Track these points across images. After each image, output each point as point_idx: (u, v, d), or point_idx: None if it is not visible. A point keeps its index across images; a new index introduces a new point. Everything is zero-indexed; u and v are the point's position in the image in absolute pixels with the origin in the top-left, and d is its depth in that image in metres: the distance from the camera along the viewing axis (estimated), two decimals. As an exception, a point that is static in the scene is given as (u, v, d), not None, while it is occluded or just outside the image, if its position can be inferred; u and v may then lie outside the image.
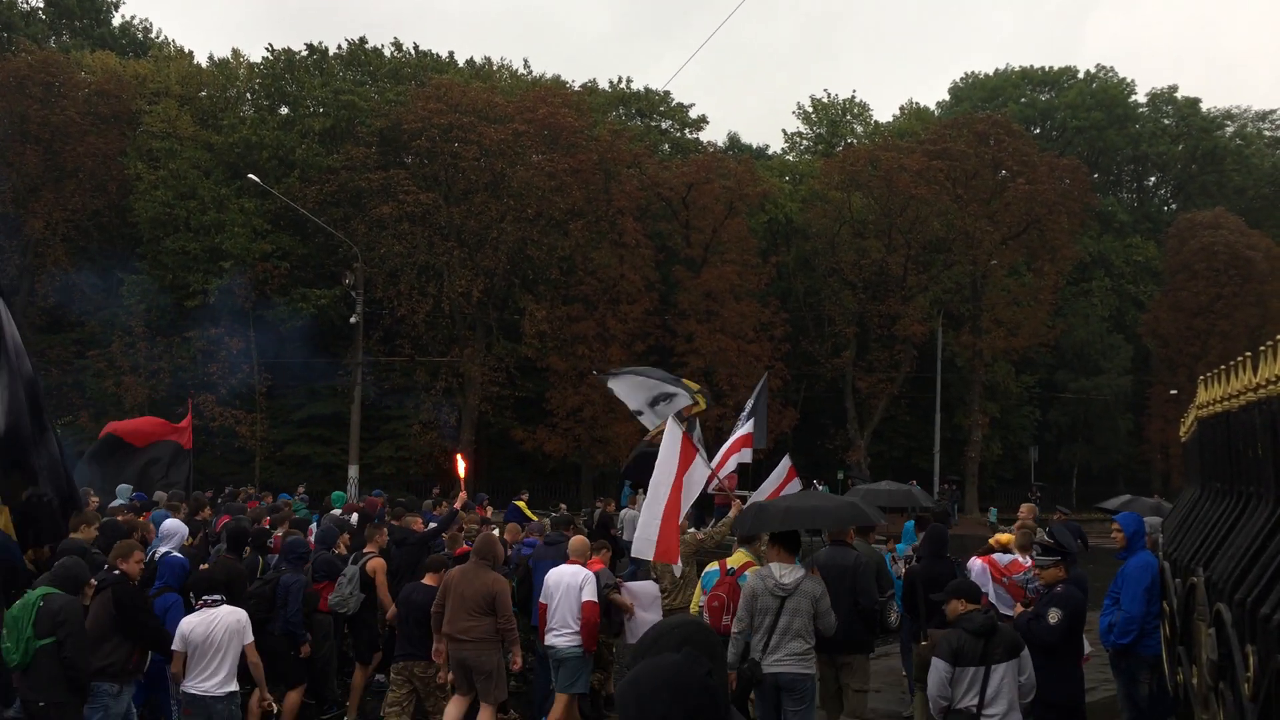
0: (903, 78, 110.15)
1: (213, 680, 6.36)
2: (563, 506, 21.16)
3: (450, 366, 32.98)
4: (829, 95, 48.46)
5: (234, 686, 6.49)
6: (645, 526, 7.95)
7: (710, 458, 9.70)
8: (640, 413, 12.09)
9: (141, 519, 9.58)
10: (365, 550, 9.04)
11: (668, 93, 44.31)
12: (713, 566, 7.65)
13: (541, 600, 7.96)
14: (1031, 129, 48.30)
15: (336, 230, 31.41)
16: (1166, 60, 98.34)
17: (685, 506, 8.26)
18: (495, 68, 43.33)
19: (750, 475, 14.01)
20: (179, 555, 8.12)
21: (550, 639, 7.79)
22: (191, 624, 6.46)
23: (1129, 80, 51.88)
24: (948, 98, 54.95)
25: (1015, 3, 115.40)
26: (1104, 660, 7.95)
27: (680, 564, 8.35)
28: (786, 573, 6.48)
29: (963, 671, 5.57)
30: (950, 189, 36.58)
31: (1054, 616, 6.49)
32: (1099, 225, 46.35)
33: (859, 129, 46.00)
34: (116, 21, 45.92)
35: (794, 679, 6.36)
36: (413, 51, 39.91)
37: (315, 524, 11.47)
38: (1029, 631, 6.40)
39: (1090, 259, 44.42)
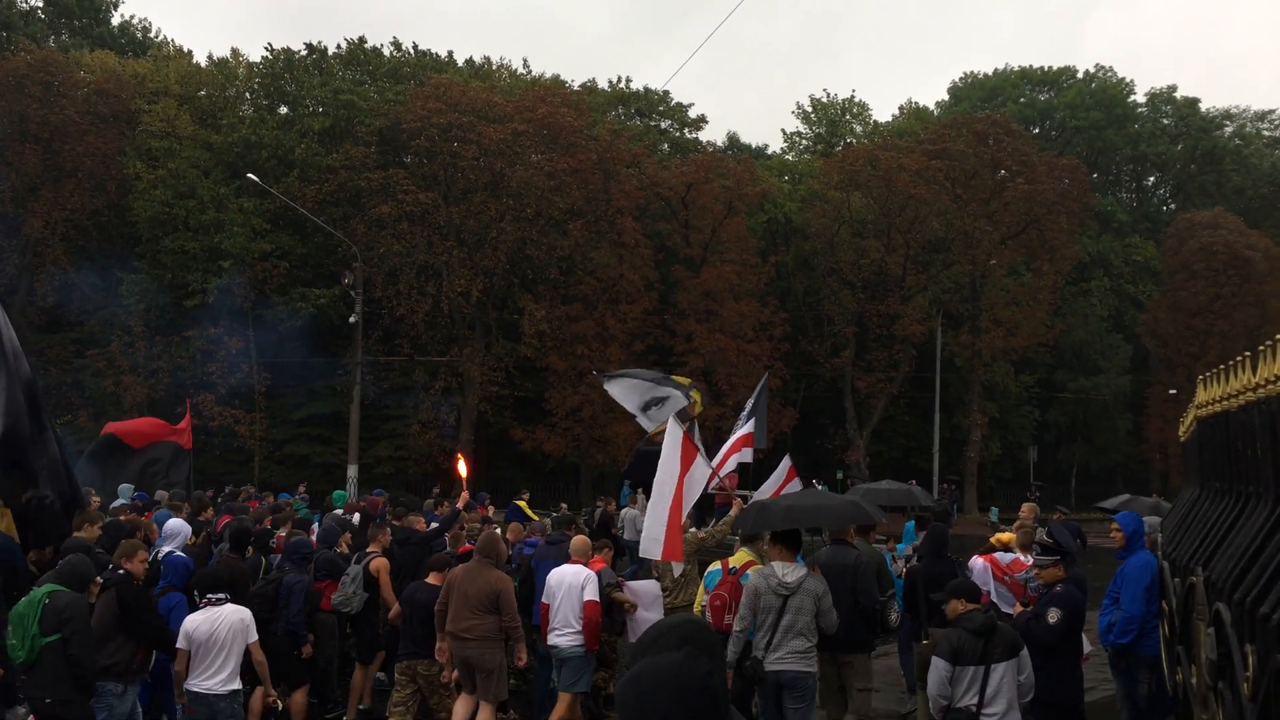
0: (902, 77, 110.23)
1: (216, 678, 6.38)
2: (563, 506, 21.18)
3: (449, 366, 32.99)
4: (828, 95, 48.57)
5: (237, 685, 6.50)
6: (652, 526, 7.97)
7: (710, 457, 9.70)
8: (635, 415, 12.13)
9: (144, 519, 9.57)
10: (368, 550, 9.05)
11: (667, 92, 44.38)
12: (715, 566, 7.67)
13: (544, 600, 7.97)
14: (1031, 129, 48.31)
15: (336, 230, 31.41)
16: (1166, 60, 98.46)
17: (687, 506, 8.28)
18: (495, 67, 43.34)
19: (750, 475, 14.02)
20: (183, 555, 8.14)
21: (553, 638, 7.80)
22: (195, 622, 6.47)
23: (1128, 80, 51.97)
24: (947, 97, 54.99)
25: (1015, 3, 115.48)
26: (1103, 660, 7.95)
27: (682, 562, 8.36)
28: (789, 571, 6.51)
29: (962, 670, 5.58)
30: (949, 189, 36.60)
31: (1053, 616, 6.50)
32: (1098, 225, 46.38)
33: (858, 129, 46.02)
34: (115, 21, 45.92)
35: (795, 677, 6.39)
36: (412, 51, 39.91)
37: (317, 523, 11.48)
38: (1028, 631, 6.41)
39: (1089, 259, 44.45)
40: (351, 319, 30.88)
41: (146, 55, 40.42)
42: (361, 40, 37.88)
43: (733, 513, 9.13)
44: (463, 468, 11.37)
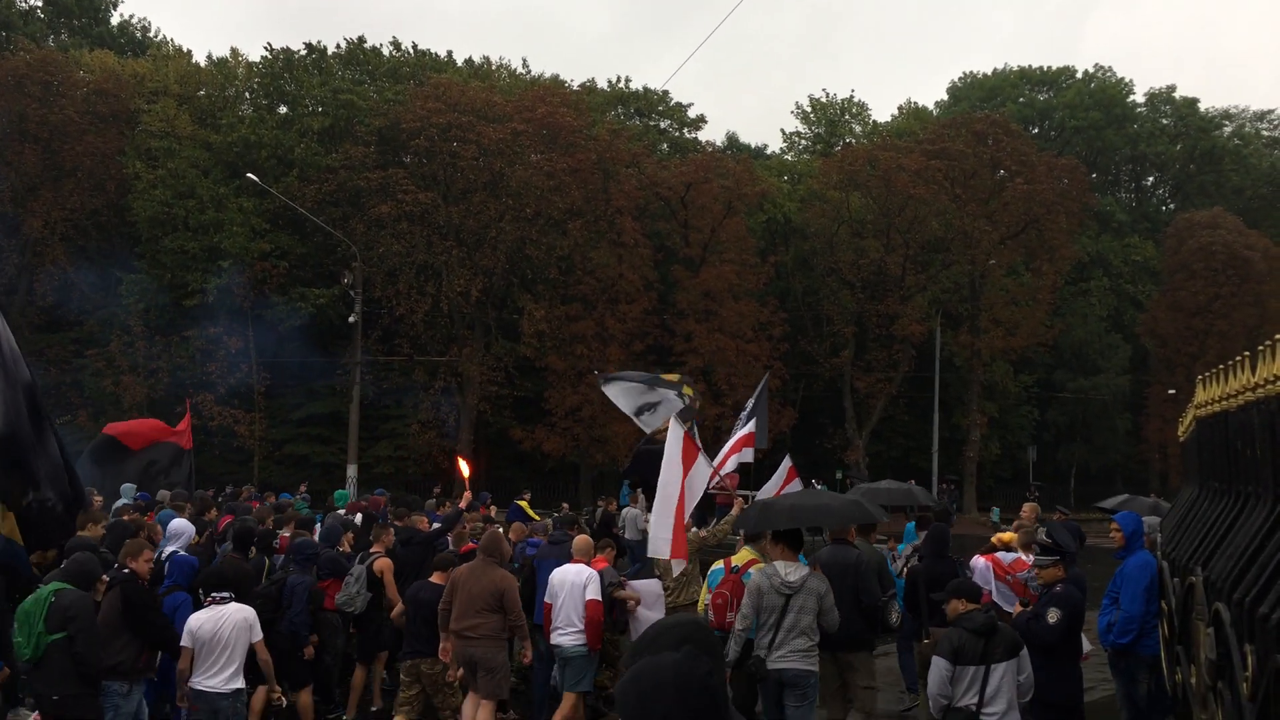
0: (901, 77, 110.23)
1: (219, 677, 6.40)
2: (564, 506, 21.19)
3: (449, 366, 32.99)
4: (828, 95, 48.60)
5: (240, 684, 6.52)
6: (658, 526, 8.00)
7: (711, 458, 9.72)
8: (632, 418, 12.17)
9: (147, 519, 9.59)
10: (372, 550, 9.08)
11: (666, 92, 44.39)
12: (718, 565, 7.71)
13: (546, 599, 8.01)
14: (1030, 129, 48.33)
15: (335, 229, 31.41)
16: (1166, 60, 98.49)
17: (690, 506, 8.30)
18: (494, 67, 43.33)
19: (751, 475, 14.04)
20: (188, 554, 8.15)
21: (556, 637, 7.83)
22: (200, 620, 6.49)
23: (1127, 80, 52.00)
24: (946, 97, 55.00)
25: (1015, 3, 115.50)
26: (1103, 660, 7.96)
27: (684, 561, 8.38)
28: (791, 571, 6.54)
29: (963, 670, 5.60)
30: (949, 189, 36.60)
31: (1053, 616, 6.51)
32: (1097, 225, 46.39)
33: (857, 129, 46.03)
34: (115, 20, 45.92)
35: (797, 675, 6.43)
36: (411, 51, 39.90)
37: (319, 523, 11.50)
38: (1028, 631, 6.42)
39: (1088, 259, 44.46)
40: (351, 319, 30.89)
41: (146, 55, 40.42)
42: (361, 40, 37.91)
43: (734, 512, 9.16)
44: (465, 468, 11.40)
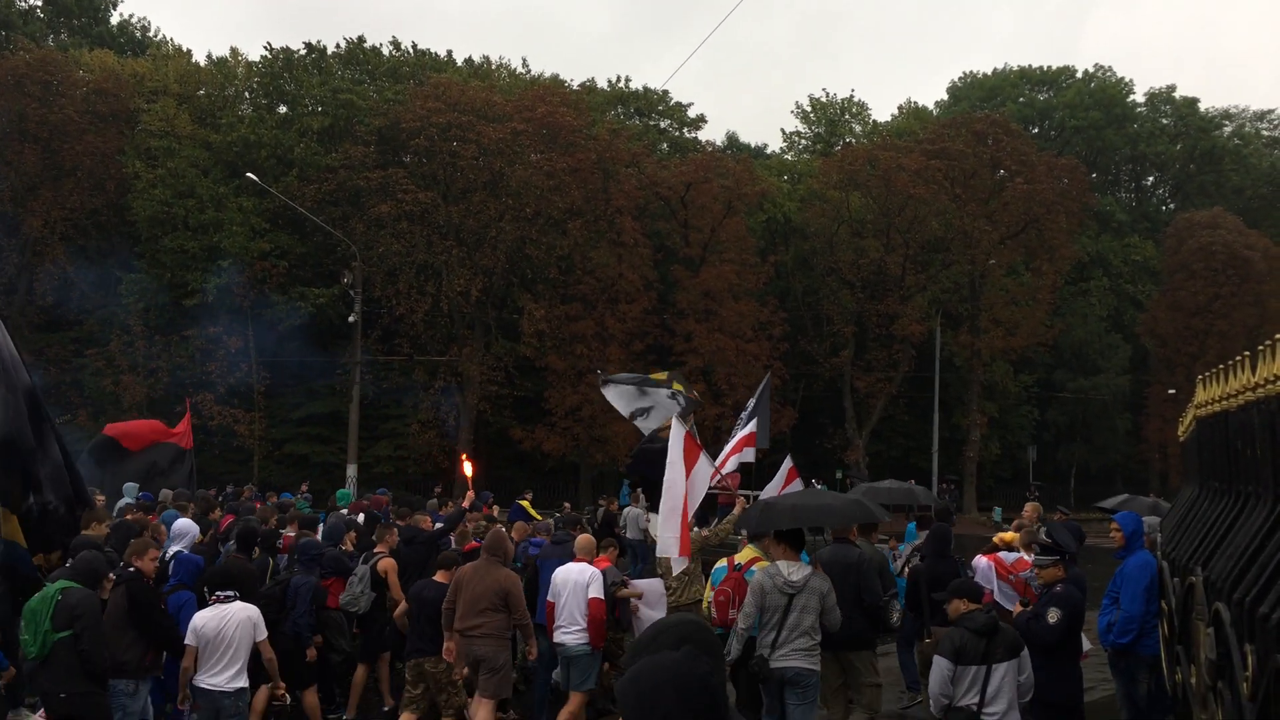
0: (901, 77, 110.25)
1: (223, 675, 6.43)
2: (566, 506, 21.20)
3: (449, 366, 32.98)
4: (827, 95, 48.63)
5: (243, 683, 6.54)
6: (666, 526, 8.02)
7: (712, 457, 9.73)
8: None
9: (150, 519, 9.60)
10: (376, 550, 9.09)
11: (666, 92, 44.39)
12: (721, 563, 7.77)
13: (549, 598, 8.04)
14: (1030, 129, 48.35)
15: (335, 229, 31.40)
16: (1166, 60, 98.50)
17: (694, 505, 8.33)
18: (494, 67, 43.32)
19: (752, 475, 14.04)
20: (193, 554, 8.18)
21: (559, 636, 7.86)
22: (204, 619, 6.52)
23: (1127, 80, 52.02)
24: (946, 97, 55.04)
25: (1015, 3, 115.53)
26: (1102, 660, 7.96)
27: (687, 560, 8.40)
28: (794, 570, 6.57)
29: (964, 670, 5.61)
30: (949, 188, 36.61)
31: (1053, 616, 6.51)
32: (1097, 225, 46.41)
33: (857, 128, 46.05)
34: (115, 20, 45.91)
35: (799, 673, 6.47)
36: (411, 50, 39.89)
37: (322, 522, 11.51)
38: (1028, 631, 6.43)
39: (1088, 259, 44.47)
40: (351, 318, 30.88)
41: (145, 54, 40.41)
42: (361, 40, 37.89)
43: (735, 512, 9.17)
44: (468, 468, 11.45)
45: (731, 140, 50.11)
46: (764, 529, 7.36)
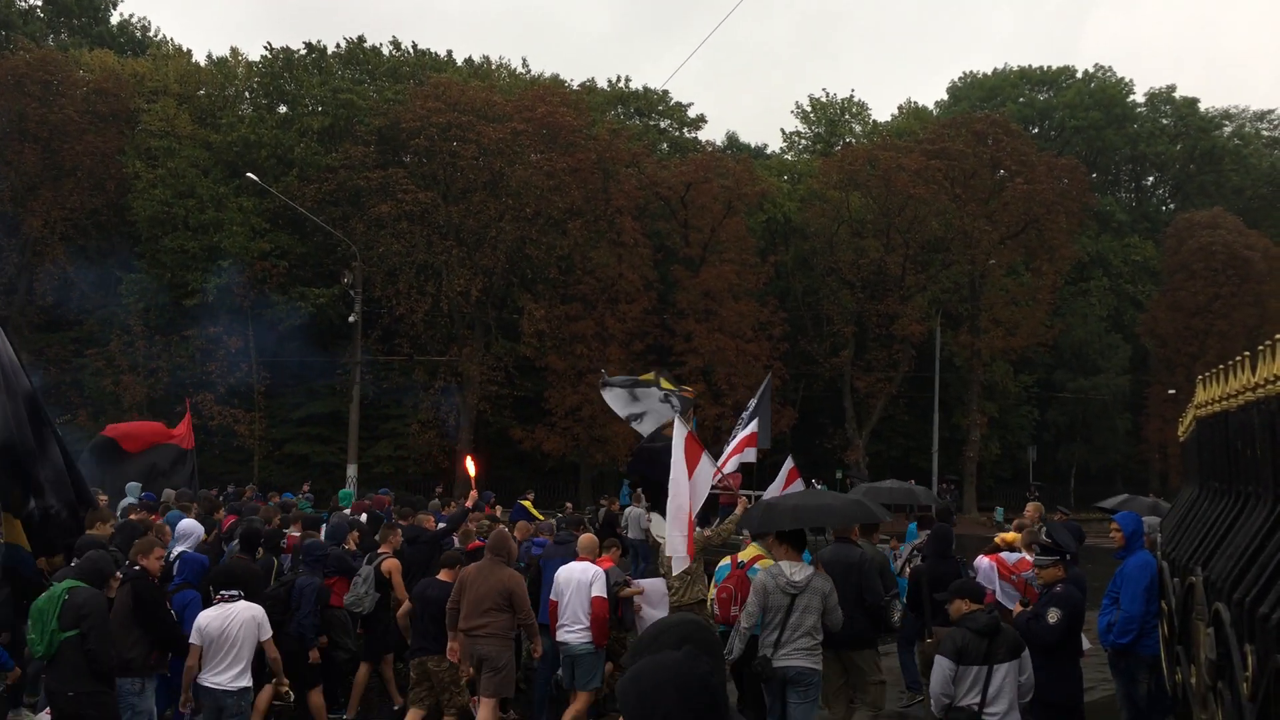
0: (901, 77, 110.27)
1: (226, 674, 6.45)
2: (568, 506, 21.20)
3: (449, 366, 32.98)
4: (827, 95, 48.66)
5: (247, 682, 6.56)
6: (674, 527, 8.04)
7: (714, 457, 9.75)
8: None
9: (153, 519, 9.62)
10: (380, 551, 9.12)
11: (666, 92, 44.39)
12: (725, 561, 7.82)
13: (552, 597, 8.07)
14: (1030, 129, 48.36)
15: (335, 229, 31.40)
16: (1166, 60, 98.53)
17: (697, 505, 8.35)
18: (494, 67, 43.32)
19: (754, 475, 14.07)
20: (198, 553, 8.20)
21: (562, 634, 7.88)
22: (209, 618, 6.54)
23: (1127, 80, 52.04)
24: (946, 97, 55.05)
25: (1015, 3, 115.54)
26: (1102, 660, 7.97)
27: (686, 560, 8.42)
28: (797, 570, 6.60)
29: (966, 670, 5.62)
30: (949, 188, 36.61)
31: (1053, 616, 6.52)
32: (1097, 225, 46.42)
33: (857, 128, 46.06)
34: (115, 20, 45.91)
35: (801, 672, 6.50)
36: (411, 50, 39.89)
37: (325, 522, 11.52)
38: (1028, 631, 6.43)
39: (1088, 259, 44.48)
40: (351, 318, 30.88)
41: (146, 54, 40.40)
42: (361, 40, 37.88)
43: (738, 512, 9.19)
44: (471, 467, 11.50)
45: (731, 140, 50.18)
46: (766, 529, 7.38)
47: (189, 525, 8.89)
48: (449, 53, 41.26)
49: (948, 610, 6.16)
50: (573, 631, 7.82)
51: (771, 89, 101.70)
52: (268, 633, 6.66)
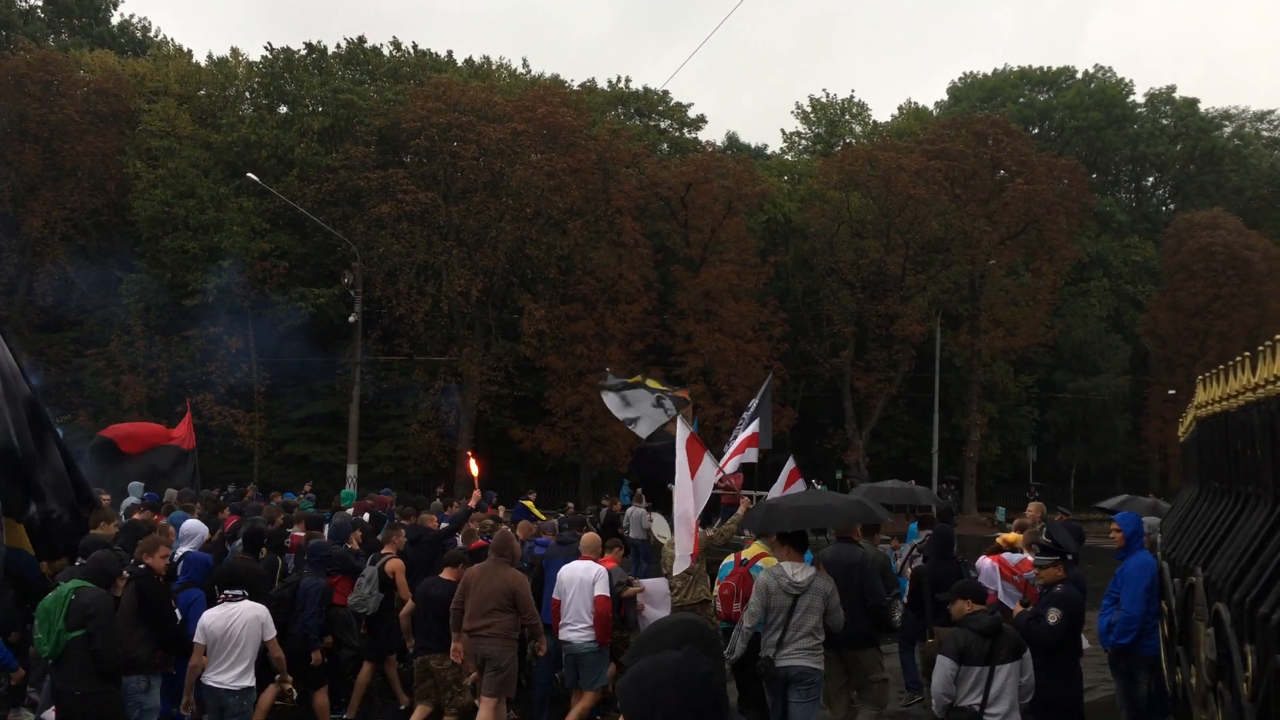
0: (901, 78, 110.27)
1: (229, 674, 6.47)
2: (570, 506, 21.23)
3: (449, 366, 32.99)
4: (828, 95, 48.65)
5: (249, 682, 6.58)
6: (681, 531, 8.07)
7: (716, 458, 9.77)
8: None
9: (156, 519, 9.63)
10: (383, 551, 9.14)
11: (666, 92, 44.40)
12: (729, 558, 7.89)
13: (554, 596, 8.09)
14: (1030, 129, 48.35)
15: (335, 229, 31.41)
16: (1165, 60, 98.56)
17: (700, 505, 8.37)
18: (494, 67, 43.32)
19: (755, 475, 14.09)
20: (203, 552, 8.22)
21: (565, 633, 7.91)
22: (212, 617, 6.57)
23: (1127, 80, 52.02)
24: (946, 98, 55.02)
25: (1015, 3, 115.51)
26: (1102, 660, 7.97)
27: (688, 560, 8.44)
28: (798, 571, 6.62)
29: (968, 670, 5.63)
30: (949, 189, 36.61)
31: (1053, 616, 6.52)
32: (1097, 225, 46.41)
33: (857, 129, 46.05)
34: (115, 20, 45.92)
35: (803, 671, 6.52)
36: (411, 51, 39.90)
37: (328, 522, 11.53)
38: (1028, 631, 6.44)
39: (1088, 259, 44.48)
40: (351, 318, 30.90)
41: (146, 55, 40.41)
42: (361, 40, 37.89)
43: (740, 512, 9.21)
44: (474, 467, 11.55)
45: (731, 140, 50.15)
46: (767, 530, 7.40)
47: (193, 525, 8.91)
48: (449, 53, 41.32)
49: (949, 610, 6.17)
50: (576, 630, 7.85)
51: (772, 89, 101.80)
52: (271, 633, 6.68)
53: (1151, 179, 55.49)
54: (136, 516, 9.84)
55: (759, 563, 7.47)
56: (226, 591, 6.69)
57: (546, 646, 8.08)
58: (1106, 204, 47.98)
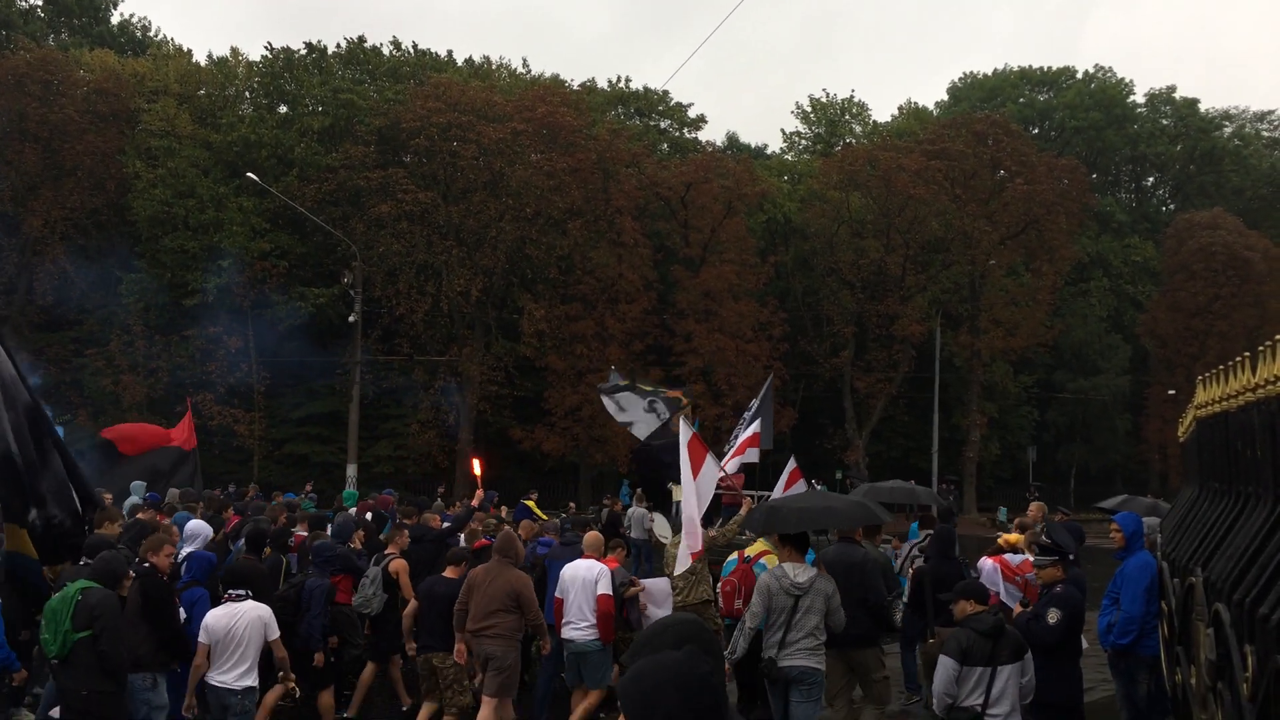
0: (901, 78, 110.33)
1: (232, 673, 6.49)
2: (572, 506, 21.25)
3: (449, 366, 32.99)
4: (828, 95, 48.64)
5: (252, 681, 6.59)
6: (688, 535, 8.07)
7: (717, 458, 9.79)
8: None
9: (160, 519, 9.64)
10: (387, 551, 9.16)
11: (666, 92, 44.40)
12: (733, 556, 7.94)
13: (557, 594, 8.10)
14: (1030, 129, 48.37)
15: (335, 229, 31.41)
16: (1166, 60, 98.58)
17: (703, 504, 8.39)
18: (494, 67, 43.32)
19: (756, 476, 14.12)
20: (207, 552, 8.23)
21: (568, 631, 7.93)
22: (216, 616, 6.59)
23: (1127, 80, 52.06)
24: (946, 98, 55.04)
25: (1015, 3, 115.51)
26: (1102, 660, 7.97)
27: (689, 560, 8.45)
28: (800, 572, 6.64)
29: (969, 671, 5.63)
30: (949, 189, 36.62)
31: (1053, 617, 6.52)
32: (1097, 225, 46.43)
33: (857, 129, 46.05)
34: (115, 20, 45.90)
35: (804, 671, 6.54)
36: (411, 50, 39.90)
37: (330, 521, 11.55)
38: (1028, 631, 6.43)
39: (1088, 259, 44.49)
40: (351, 318, 30.88)
41: (146, 54, 40.38)
42: (361, 40, 37.88)
43: (742, 512, 9.22)
44: (477, 467, 11.59)
45: (731, 140, 50.17)
46: (769, 532, 7.40)
47: (197, 526, 8.93)
48: (449, 53, 41.32)
49: (951, 610, 6.17)
50: (578, 629, 7.87)
51: (772, 89, 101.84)
52: (275, 633, 6.68)
53: (1151, 179, 55.52)
54: (141, 516, 9.85)
55: (762, 560, 7.48)
56: (230, 591, 6.71)
57: (550, 646, 8.11)
58: (1106, 204, 47.99)
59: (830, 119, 45.77)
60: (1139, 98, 52.12)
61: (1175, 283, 41.76)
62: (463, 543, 9.91)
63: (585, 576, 7.92)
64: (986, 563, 8.49)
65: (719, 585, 7.84)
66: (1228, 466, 5.85)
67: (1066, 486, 42.97)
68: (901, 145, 38.17)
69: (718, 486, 9.51)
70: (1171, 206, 52.69)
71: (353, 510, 13.91)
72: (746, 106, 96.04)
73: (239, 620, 6.52)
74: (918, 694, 9.36)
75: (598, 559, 8.15)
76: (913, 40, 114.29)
